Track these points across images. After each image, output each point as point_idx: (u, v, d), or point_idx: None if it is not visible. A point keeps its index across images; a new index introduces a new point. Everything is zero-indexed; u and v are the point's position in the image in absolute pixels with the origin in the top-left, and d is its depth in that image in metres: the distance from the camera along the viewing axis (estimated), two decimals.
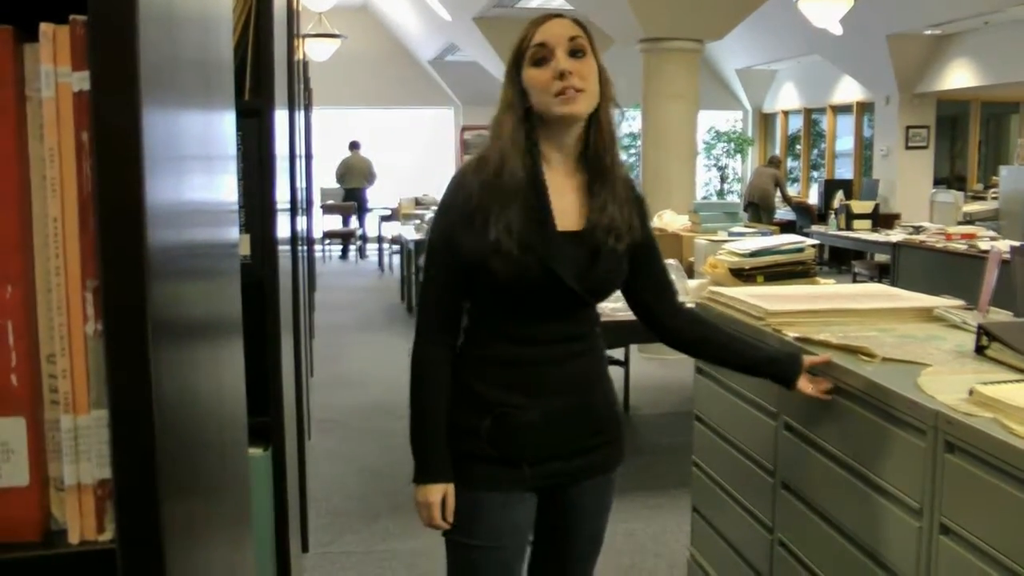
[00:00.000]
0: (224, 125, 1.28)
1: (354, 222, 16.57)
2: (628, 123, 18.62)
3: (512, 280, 2.08)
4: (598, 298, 2.23)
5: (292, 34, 3.88)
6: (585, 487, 2.31)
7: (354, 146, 16.78)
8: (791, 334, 2.72)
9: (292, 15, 3.92)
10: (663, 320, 2.37)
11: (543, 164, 2.16)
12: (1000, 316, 2.88)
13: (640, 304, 2.37)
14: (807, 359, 2.42)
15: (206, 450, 1.01)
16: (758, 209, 14.92)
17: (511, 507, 2.25)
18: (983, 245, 7.79)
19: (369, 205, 16.81)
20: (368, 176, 16.68)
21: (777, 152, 18.65)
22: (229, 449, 1.21)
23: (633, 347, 6.92)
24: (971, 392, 2.02)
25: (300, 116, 5.75)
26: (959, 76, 14.01)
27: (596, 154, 2.19)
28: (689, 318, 2.42)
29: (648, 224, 2.32)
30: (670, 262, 5.06)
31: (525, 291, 2.11)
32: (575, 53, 2.11)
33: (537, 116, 2.14)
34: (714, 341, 2.41)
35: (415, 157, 19.47)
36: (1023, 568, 1.76)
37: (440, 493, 2.19)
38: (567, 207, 2.16)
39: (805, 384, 2.40)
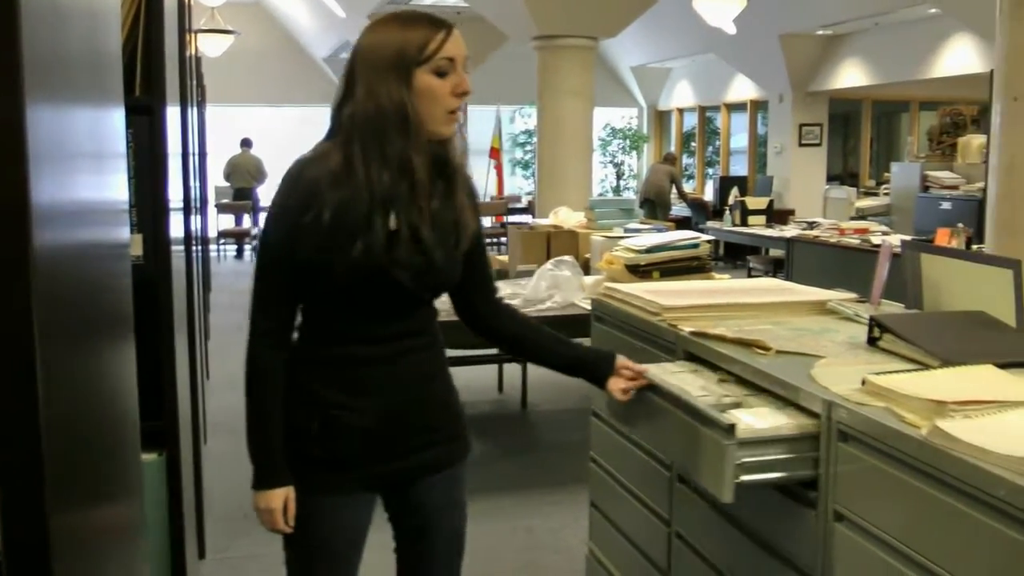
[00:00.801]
0: (113, 122, 1.25)
1: (248, 221, 16.33)
2: (524, 120, 18.76)
3: (352, 280, 2.06)
4: (435, 296, 2.23)
5: (184, 29, 3.81)
6: (433, 483, 2.29)
7: (245, 143, 16.52)
8: (686, 329, 2.74)
9: (183, 9, 3.84)
10: (487, 319, 2.37)
11: None
12: (892, 308, 2.95)
13: (465, 302, 2.36)
14: (620, 361, 2.38)
15: (97, 456, 0.99)
16: (654, 206, 15.09)
17: (341, 509, 2.22)
18: (875, 240, 7.98)
19: (262, 204, 16.56)
20: (256, 175, 16.41)
21: (672, 149, 18.89)
22: (121, 454, 1.18)
23: None
24: (864, 382, 2.07)
25: (193, 113, 5.65)
26: (851, 75, 14.36)
27: (448, 160, 2.16)
28: (509, 315, 2.41)
29: (480, 223, 2.31)
30: (565, 259, 5.12)
31: (364, 291, 2.09)
32: (466, 69, 2.11)
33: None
34: (532, 340, 2.40)
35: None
36: (915, 551, 1.81)
37: (282, 498, 2.15)
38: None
39: (614, 384, 2.36)
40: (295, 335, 2.19)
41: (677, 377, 2.44)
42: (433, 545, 2.36)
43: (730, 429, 2.02)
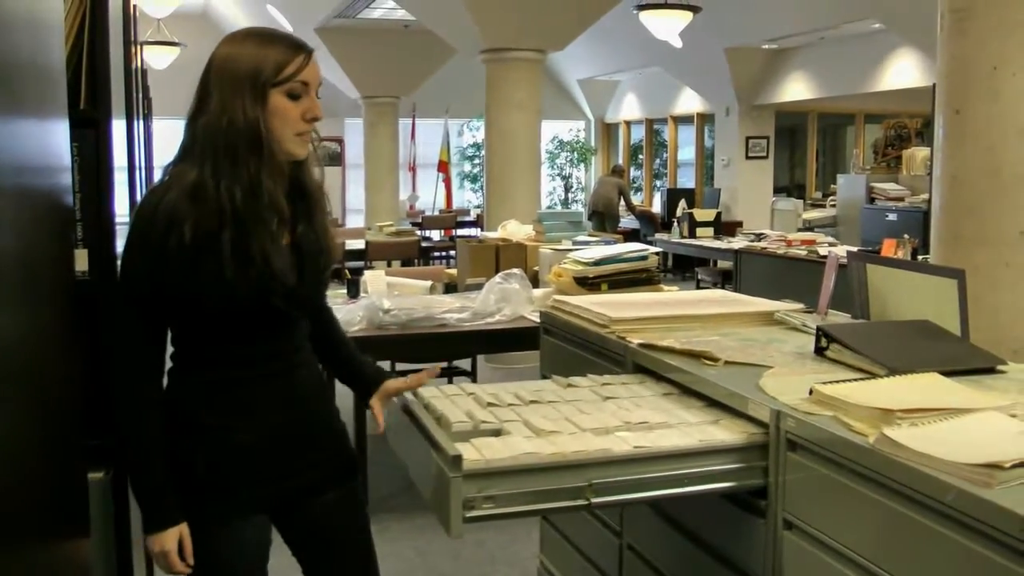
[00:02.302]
0: (58, 135, 1.23)
1: None
2: (472, 133, 18.78)
3: (224, 306, 2.04)
4: (304, 314, 2.22)
5: (129, 41, 3.77)
6: (328, 503, 2.28)
7: None
8: (635, 341, 2.75)
9: (129, 21, 3.80)
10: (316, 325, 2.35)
11: None
12: (838, 318, 2.98)
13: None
14: (391, 384, 2.39)
15: (41, 476, 0.97)
16: (603, 218, 15.14)
17: (237, 533, 2.16)
18: (822, 251, 8.05)
19: None
20: None
21: (620, 161, 18.98)
22: (65, 475, 1.16)
23: (480, 356, 6.94)
24: (811, 392, 2.08)
25: (139, 126, 5.59)
26: (796, 89, 14.51)
27: (306, 179, 2.17)
28: (327, 317, 2.42)
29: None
30: (514, 271, 5.11)
31: (235, 314, 2.06)
32: (318, 95, 2.11)
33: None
34: (329, 340, 2.41)
35: None
36: (864, 558, 1.83)
37: (175, 538, 2.05)
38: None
39: (375, 402, 2.37)
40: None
41: (450, 401, 2.36)
42: (343, 567, 2.34)
43: (455, 461, 1.91)
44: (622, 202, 15.37)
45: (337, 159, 18.94)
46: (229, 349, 2.11)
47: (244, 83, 2.01)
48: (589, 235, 6.57)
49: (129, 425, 2.03)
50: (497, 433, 2.14)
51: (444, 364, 6.58)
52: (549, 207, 18.37)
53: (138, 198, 4.30)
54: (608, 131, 20.68)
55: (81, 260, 2.13)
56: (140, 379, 2.04)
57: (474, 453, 1.99)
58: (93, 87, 2.13)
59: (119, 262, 2.06)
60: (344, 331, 2.51)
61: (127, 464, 2.10)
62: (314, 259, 2.17)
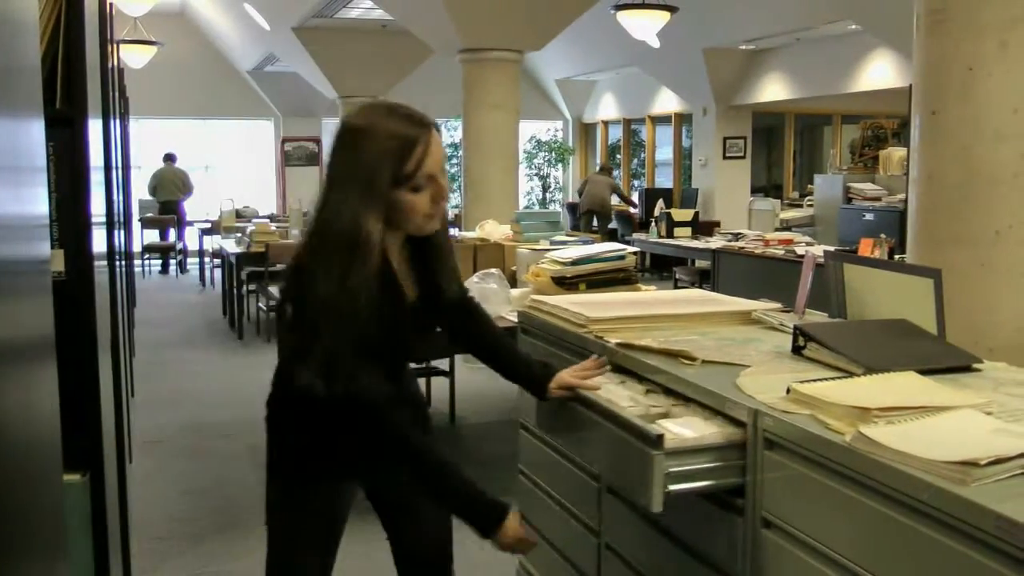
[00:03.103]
0: (33, 134, 1.22)
1: (173, 235, 16.10)
2: (450, 133, 18.77)
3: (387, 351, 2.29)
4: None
5: (106, 39, 3.75)
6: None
7: (169, 158, 16.29)
8: (613, 340, 2.76)
9: (105, 19, 3.79)
10: (459, 330, 2.59)
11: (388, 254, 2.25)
12: (816, 317, 2.99)
13: (444, 321, 2.54)
14: (566, 379, 2.48)
15: (14, 479, 0.96)
16: (598, 216, 15.23)
17: (331, 491, 2.45)
18: (799, 250, 8.07)
19: (188, 218, 16.32)
20: (182, 187, 16.21)
21: (599, 160, 19.04)
22: (41, 477, 1.15)
23: (457, 357, 6.93)
24: (788, 390, 2.09)
25: (116, 126, 5.56)
26: (773, 89, 14.57)
27: (435, 237, 2.31)
28: (474, 321, 2.58)
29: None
30: (491, 271, 5.11)
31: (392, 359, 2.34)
32: (443, 169, 2.20)
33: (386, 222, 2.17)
34: (489, 347, 2.59)
35: (235, 169, 19.08)
36: (842, 556, 1.83)
37: (516, 520, 2.20)
38: (407, 280, 2.32)
39: (557, 393, 2.47)
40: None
41: (604, 389, 2.45)
42: (427, 529, 2.60)
43: (658, 440, 2.03)
44: (614, 199, 15.44)
45: (314, 159, 18.91)
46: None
47: (364, 187, 2.11)
48: (567, 235, 6.57)
49: (418, 452, 2.20)
50: (665, 416, 2.26)
51: (423, 364, 6.58)
52: (527, 207, 18.40)
53: (115, 197, 4.27)
54: (586, 131, 20.72)
55: (57, 260, 2.12)
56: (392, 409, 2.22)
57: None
58: (69, 86, 2.12)
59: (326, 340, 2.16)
60: (498, 329, 2.66)
61: (438, 496, 2.26)
62: (422, 315, 2.37)
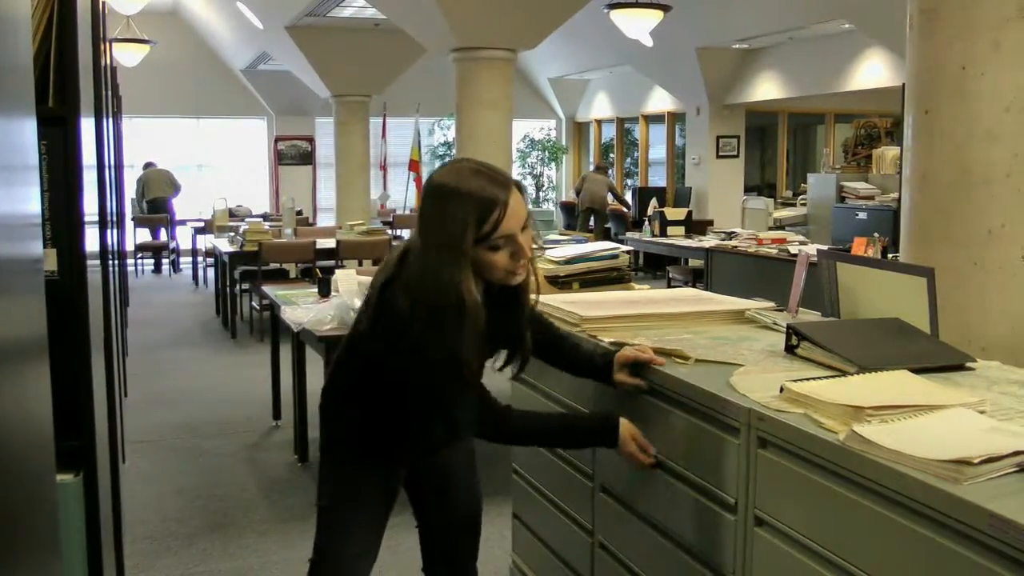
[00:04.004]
0: (25, 133, 1.22)
1: (164, 235, 16.07)
2: (443, 132, 18.76)
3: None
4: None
5: (98, 38, 3.74)
6: (452, 453, 2.78)
7: (148, 166, 16.30)
8: (606, 339, 2.76)
9: (98, 18, 3.78)
10: (550, 358, 2.73)
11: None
12: (809, 316, 3.00)
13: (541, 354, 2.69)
14: (627, 353, 2.55)
15: (8, 480, 0.96)
16: (596, 215, 15.25)
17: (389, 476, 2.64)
18: (793, 249, 8.07)
19: (178, 216, 16.27)
20: (170, 185, 16.18)
21: (592, 159, 19.05)
22: (35, 477, 1.15)
23: None
24: (782, 389, 2.09)
25: (109, 125, 5.55)
26: (767, 88, 14.58)
27: (519, 290, 2.41)
28: (563, 343, 2.74)
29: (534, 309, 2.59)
30: None
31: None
32: (524, 228, 2.27)
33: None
34: (559, 347, 2.72)
35: (228, 168, 19.06)
36: (834, 554, 1.84)
37: (628, 429, 2.43)
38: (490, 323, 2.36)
39: (621, 378, 2.54)
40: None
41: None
42: (458, 517, 2.79)
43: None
44: (610, 197, 15.47)
45: (308, 158, 18.90)
46: None
47: (448, 247, 2.21)
48: (560, 234, 6.57)
49: (516, 437, 2.62)
50: None
51: None
52: None
53: (108, 196, 4.26)
54: (579, 130, 20.71)
55: (50, 260, 2.11)
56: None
57: None
58: (61, 84, 2.12)
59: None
60: (560, 331, 2.78)
61: (558, 441, 2.71)
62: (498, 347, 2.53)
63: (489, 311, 2.31)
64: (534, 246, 2.41)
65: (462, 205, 2.20)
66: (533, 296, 2.48)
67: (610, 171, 18.10)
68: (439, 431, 2.57)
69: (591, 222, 15.28)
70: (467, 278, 2.21)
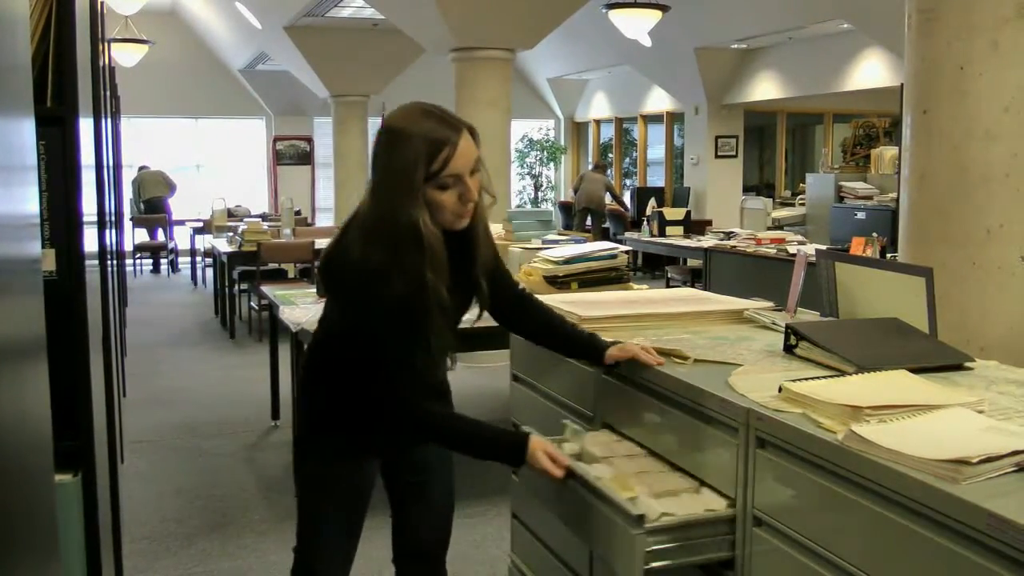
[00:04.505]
0: (23, 133, 1.22)
1: (163, 235, 16.07)
2: None
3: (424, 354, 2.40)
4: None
5: (97, 38, 3.74)
6: (425, 452, 2.78)
7: (142, 168, 16.34)
8: (606, 339, 2.76)
9: (96, 18, 3.78)
10: (510, 316, 2.75)
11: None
12: (807, 316, 3.00)
13: (503, 316, 2.73)
14: (610, 353, 2.58)
15: (6, 480, 0.96)
16: (594, 214, 15.23)
17: (355, 469, 2.61)
18: (791, 249, 8.07)
19: (176, 216, 16.27)
20: (166, 185, 16.19)
21: (591, 159, 19.03)
22: (33, 477, 1.15)
23: None
24: (780, 389, 2.09)
25: (107, 125, 5.55)
26: (765, 88, 14.58)
27: (474, 245, 2.44)
28: (529, 312, 2.74)
29: (496, 252, 2.61)
30: None
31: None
32: (473, 171, 2.29)
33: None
34: (544, 334, 2.75)
35: (227, 168, 19.05)
36: (833, 554, 1.84)
37: (540, 447, 2.34)
38: (449, 285, 2.37)
39: (617, 355, 2.56)
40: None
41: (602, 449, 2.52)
42: (431, 507, 2.76)
43: (639, 519, 2.07)
44: (608, 197, 15.44)
45: (306, 158, 18.90)
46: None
47: (401, 183, 2.24)
48: (559, 234, 6.57)
49: (435, 428, 2.48)
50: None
51: None
52: (519, 206, 18.37)
53: (107, 196, 4.27)
54: (578, 130, 20.71)
55: (48, 260, 2.11)
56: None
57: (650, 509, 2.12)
58: (60, 84, 2.12)
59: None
60: (551, 313, 2.77)
61: (465, 450, 2.50)
62: (460, 311, 2.51)
63: (453, 275, 2.35)
64: (488, 200, 2.43)
65: (413, 144, 2.23)
66: (491, 249, 2.54)
67: (608, 171, 18.10)
68: (403, 396, 2.43)
69: (588, 222, 15.27)
70: (422, 212, 2.23)
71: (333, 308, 2.54)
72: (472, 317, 2.60)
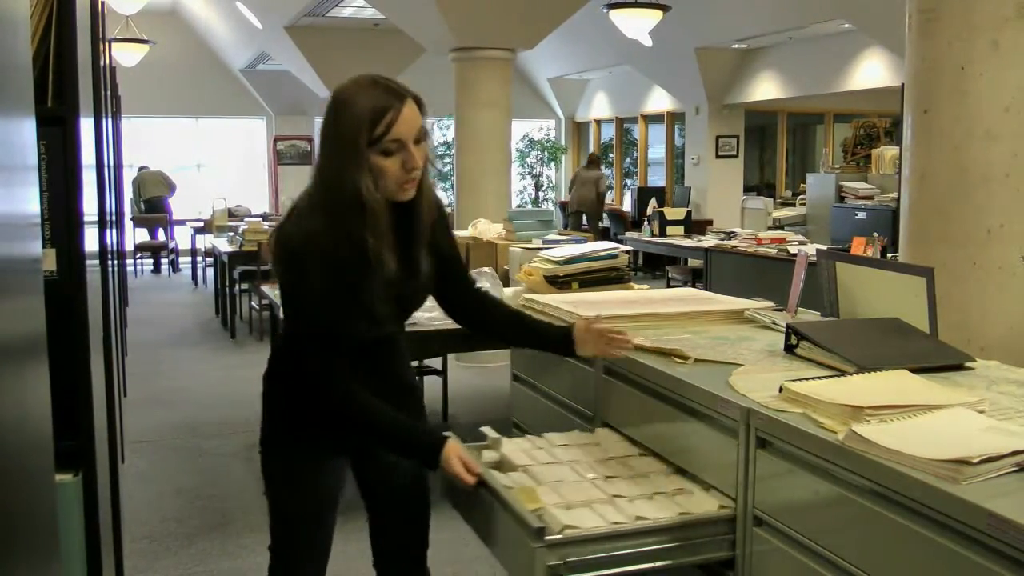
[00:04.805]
0: (24, 133, 1.22)
1: (163, 235, 16.07)
2: (442, 132, 18.74)
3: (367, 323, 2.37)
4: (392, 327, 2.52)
5: (97, 38, 3.74)
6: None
7: (142, 169, 16.36)
8: None
9: (97, 18, 3.78)
10: (473, 317, 2.68)
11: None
12: (808, 316, 3.00)
13: (456, 309, 2.67)
14: (578, 333, 2.57)
15: (7, 480, 0.96)
16: (587, 216, 15.20)
17: (316, 470, 2.57)
18: (792, 249, 8.06)
19: (177, 216, 16.27)
20: (166, 184, 16.19)
21: (592, 150, 18.99)
22: (34, 478, 1.15)
23: (450, 356, 6.93)
24: (781, 389, 2.09)
25: (108, 124, 5.55)
26: (766, 88, 14.57)
27: (416, 218, 2.40)
28: (486, 309, 2.69)
29: (450, 239, 2.60)
30: (484, 270, 5.11)
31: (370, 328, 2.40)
32: (418, 141, 2.29)
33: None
34: (501, 331, 2.74)
35: (227, 168, 19.05)
36: (833, 553, 1.84)
37: (455, 451, 2.31)
38: (392, 261, 2.36)
39: (583, 338, 2.54)
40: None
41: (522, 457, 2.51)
42: (406, 506, 2.66)
43: (539, 532, 2.03)
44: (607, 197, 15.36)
45: (307, 158, 18.88)
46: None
47: (345, 148, 2.25)
48: (560, 234, 6.57)
49: (349, 409, 2.36)
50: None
51: (414, 363, 6.58)
52: (519, 206, 18.37)
53: (107, 196, 4.27)
54: (578, 130, 20.71)
55: (49, 260, 2.11)
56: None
57: (553, 522, 2.10)
58: (60, 84, 2.12)
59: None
60: (510, 309, 2.75)
61: (382, 443, 2.44)
62: (418, 277, 2.45)
63: (400, 254, 2.36)
64: (434, 174, 2.43)
65: (357, 111, 2.25)
66: (443, 222, 2.53)
67: (606, 166, 18.04)
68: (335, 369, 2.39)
69: (583, 223, 15.23)
70: (365, 176, 2.23)
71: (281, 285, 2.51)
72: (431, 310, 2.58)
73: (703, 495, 2.23)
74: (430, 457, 2.33)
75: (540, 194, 20.44)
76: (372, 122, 2.24)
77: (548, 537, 2.03)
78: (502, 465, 2.50)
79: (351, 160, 2.24)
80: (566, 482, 2.34)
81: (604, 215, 15.66)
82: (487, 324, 2.71)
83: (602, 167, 16.40)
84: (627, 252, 4.08)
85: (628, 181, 19.07)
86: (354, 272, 2.29)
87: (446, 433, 2.39)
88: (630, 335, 2.64)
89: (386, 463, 2.61)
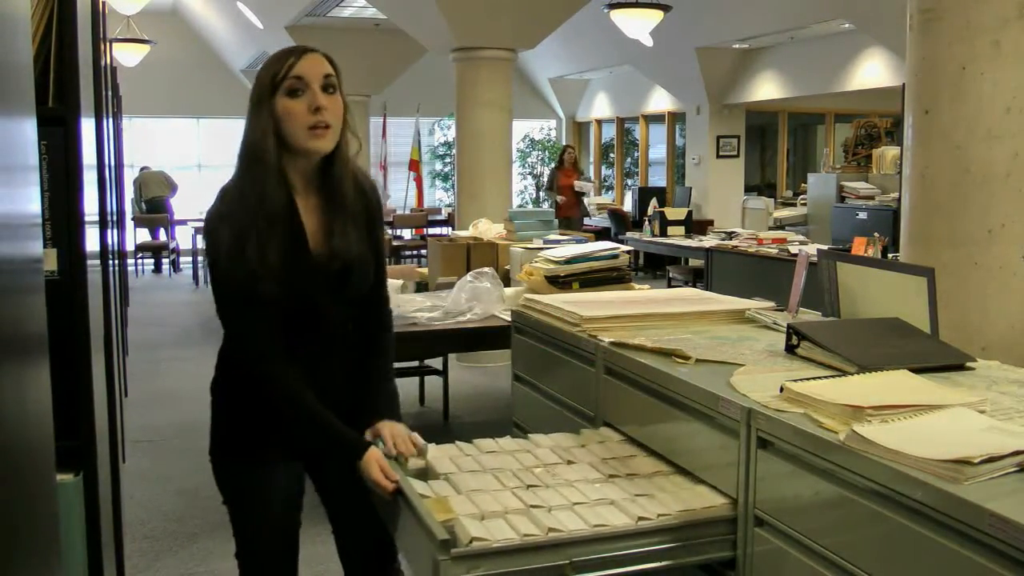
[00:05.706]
0: (25, 133, 1.22)
1: (164, 235, 16.07)
2: (443, 132, 18.75)
3: (281, 304, 2.33)
4: (352, 304, 2.48)
5: (98, 38, 3.74)
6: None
7: (143, 169, 16.39)
8: (606, 339, 2.76)
9: (98, 18, 3.78)
10: (356, 330, 2.54)
11: (291, 190, 2.36)
12: (809, 316, 3.00)
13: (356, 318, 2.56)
14: (382, 428, 2.47)
15: (8, 480, 0.96)
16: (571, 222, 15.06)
17: (268, 473, 2.57)
18: (793, 249, 8.06)
19: (178, 216, 16.27)
20: (167, 184, 16.20)
21: (591, 160, 18.94)
22: (35, 478, 1.15)
23: (451, 356, 6.93)
24: (782, 389, 2.09)
25: (109, 124, 5.55)
26: (767, 88, 14.57)
27: (336, 182, 2.39)
28: (374, 336, 2.58)
29: (379, 236, 2.54)
30: (485, 270, 5.11)
31: (293, 311, 2.36)
32: (327, 89, 2.30)
33: (284, 144, 2.31)
34: (366, 378, 2.56)
35: (228, 168, 18.99)
36: (834, 553, 1.84)
37: (374, 457, 2.33)
38: (314, 229, 2.38)
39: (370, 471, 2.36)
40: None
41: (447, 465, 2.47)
42: (365, 507, 2.50)
43: (444, 544, 1.97)
44: (584, 199, 14.83)
45: None
46: (289, 336, 2.41)
47: (262, 98, 2.29)
48: (560, 234, 6.57)
49: (278, 395, 2.38)
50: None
51: (415, 363, 6.58)
52: (520, 206, 18.36)
53: (108, 196, 4.27)
54: (579, 130, 20.70)
55: (50, 259, 2.11)
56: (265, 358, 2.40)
57: (463, 533, 2.04)
58: (61, 84, 2.12)
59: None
60: (385, 357, 2.61)
61: (308, 437, 2.43)
62: (350, 258, 2.40)
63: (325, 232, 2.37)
64: (355, 146, 2.43)
65: (265, 64, 2.31)
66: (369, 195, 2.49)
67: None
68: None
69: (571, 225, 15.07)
70: (266, 123, 2.26)
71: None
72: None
73: (704, 495, 2.23)
74: (352, 457, 2.34)
75: (541, 194, 20.44)
76: (275, 70, 2.27)
77: (454, 550, 1.97)
78: (426, 473, 2.44)
79: (255, 113, 2.28)
80: (486, 491, 2.27)
81: (599, 216, 15.50)
82: (356, 347, 2.54)
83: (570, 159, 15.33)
84: (628, 252, 4.08)
85: (629, 181, 19.06)
86: (256, 226, 2.27)
87: (370, 440, 2.40)
88: (630, 335, 2.63)
89: (345, 468, 2.46)
